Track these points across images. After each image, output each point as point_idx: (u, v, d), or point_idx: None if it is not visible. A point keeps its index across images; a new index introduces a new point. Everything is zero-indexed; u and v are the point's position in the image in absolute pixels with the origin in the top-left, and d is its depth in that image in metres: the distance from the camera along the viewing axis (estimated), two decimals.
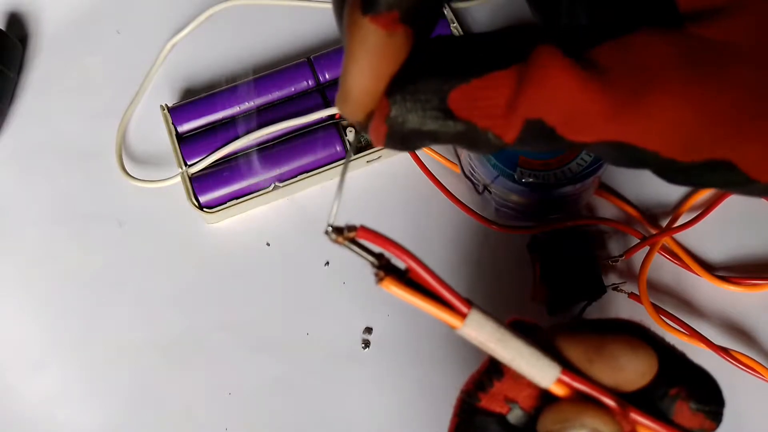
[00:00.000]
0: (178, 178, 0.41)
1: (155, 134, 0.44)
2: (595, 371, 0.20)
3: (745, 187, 0.17)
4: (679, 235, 0.40)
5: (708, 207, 0.40)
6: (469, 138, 0.18)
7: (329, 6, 0.47)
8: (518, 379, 0.21)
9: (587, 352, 0.20)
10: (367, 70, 0.17)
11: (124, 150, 0.44)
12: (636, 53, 0.16)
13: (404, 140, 0.18)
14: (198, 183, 0.41)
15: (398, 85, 0.18)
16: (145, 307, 0.41)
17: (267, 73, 0.43)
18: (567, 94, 0.16)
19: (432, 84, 0.17)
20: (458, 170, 0.42)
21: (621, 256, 0.39)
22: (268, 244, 0.42)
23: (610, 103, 0.16)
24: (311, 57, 0.44)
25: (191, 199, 0.40)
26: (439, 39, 0.18)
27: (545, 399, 0.21)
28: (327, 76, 0.43)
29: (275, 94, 0.43)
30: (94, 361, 0.40)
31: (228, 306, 0.41)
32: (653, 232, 0.40)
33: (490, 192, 0.39)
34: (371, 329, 0.40)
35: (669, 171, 0.17)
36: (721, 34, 0.16)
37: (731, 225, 0.41)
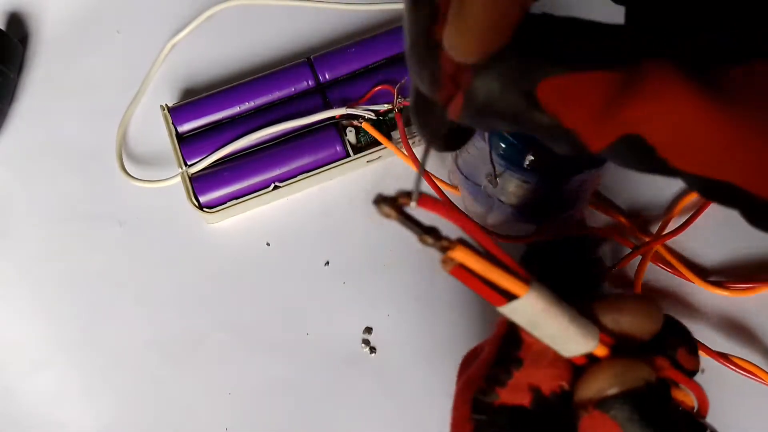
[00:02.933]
0: (178, 178, 0.41)
1: (155, 134, 0.44)
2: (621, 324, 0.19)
3: None
4: (672, 240, 0.40)
5: (698, 210, 0.40)
6: (549, 132, 0.16)
7: (329, 6, 0.47)
8: (539, 360, 0.20)
9: (611, 310, 0.20)
10: None
11: (124, 150, 0.45)
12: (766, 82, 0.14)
13: (481, 116, 0.17)
14: (198, 183, 0.41)
15: (493, 59, 0.16)
16: (145, 307, 0.41)
17: (267, 73, 0.43)
18: (683, 114, 0.14)
19: (526, 66, 0.15)
20: (458, 193, 0.41)
21: (613, 267, 0.39)
22: (268, 244, 0.42)
23: (732, 133, 0.14)
24: (311, 57, 0.44)
25: (191, 199, 0.41)
26: (549, 17, 0.16)
27: (572, 374, 0.20)
28: (327, 76, 0.43)
29: (275, 94, 0.43)
30: (95, 360, 0.40)
31: (228, 306, 0.41)
32: (645, 240, 0.40)
33: (497, 184, 0.38)
34: (371, 329, 0.40)
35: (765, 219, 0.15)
36: None
37: (723, 226, 0.40)
